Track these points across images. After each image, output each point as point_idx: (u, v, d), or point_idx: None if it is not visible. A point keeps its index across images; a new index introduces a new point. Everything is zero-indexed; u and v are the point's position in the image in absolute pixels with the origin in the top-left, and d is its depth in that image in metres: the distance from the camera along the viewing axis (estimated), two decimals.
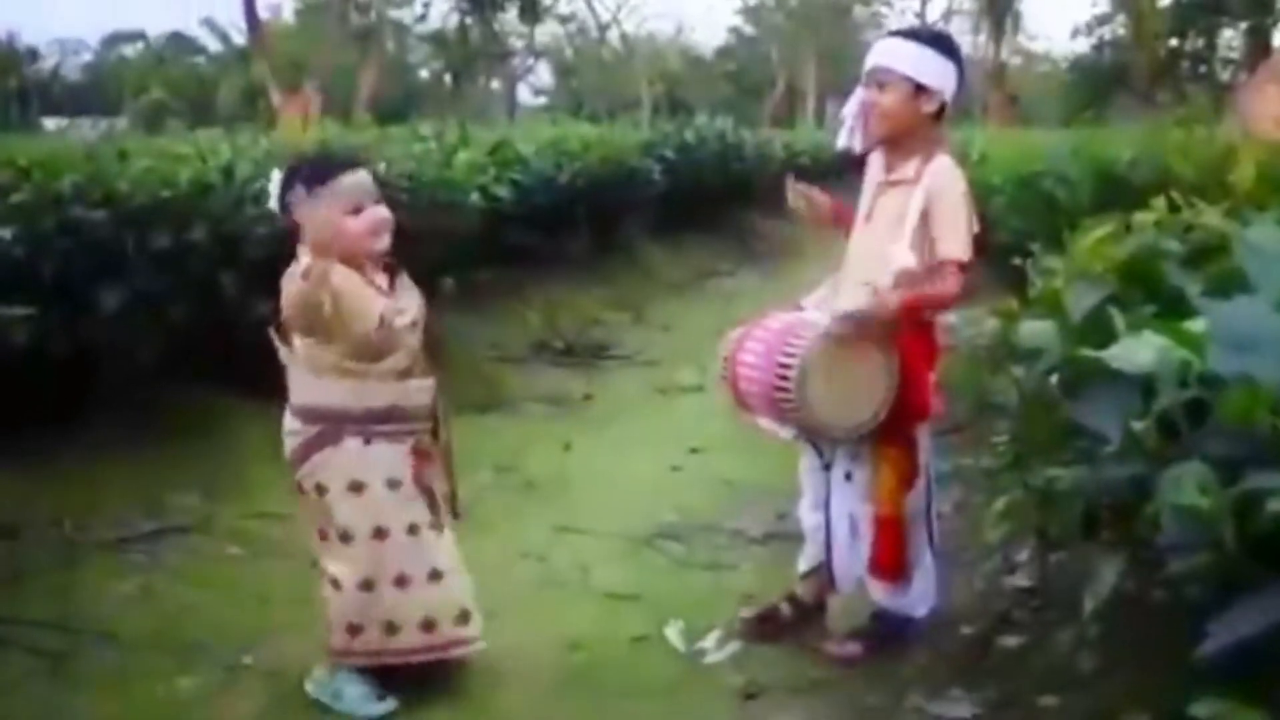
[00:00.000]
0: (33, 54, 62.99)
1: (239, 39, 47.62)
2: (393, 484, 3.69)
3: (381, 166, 7.51)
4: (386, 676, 3.76)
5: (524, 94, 69.99)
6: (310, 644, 3.92)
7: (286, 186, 3.68)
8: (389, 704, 3.73)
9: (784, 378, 3.72)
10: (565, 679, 3.99)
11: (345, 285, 3.56)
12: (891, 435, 3.85)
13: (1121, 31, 49.41)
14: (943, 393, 3.99)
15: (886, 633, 4.05)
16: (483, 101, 57.57)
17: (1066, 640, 3.66)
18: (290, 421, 3.73)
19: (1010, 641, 3.92)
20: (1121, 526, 2.05)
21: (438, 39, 58.77)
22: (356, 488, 3.65)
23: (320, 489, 3.67)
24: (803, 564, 4.22)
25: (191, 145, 7.42)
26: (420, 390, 3.75)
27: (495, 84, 62.35)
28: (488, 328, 9.06)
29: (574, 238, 11.88)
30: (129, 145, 6.82)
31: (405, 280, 3.82)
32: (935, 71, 3.87)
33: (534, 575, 4.89)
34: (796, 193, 4.19)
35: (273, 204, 3.73)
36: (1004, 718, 3.45)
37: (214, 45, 62.95)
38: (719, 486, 6.07)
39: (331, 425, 3.65)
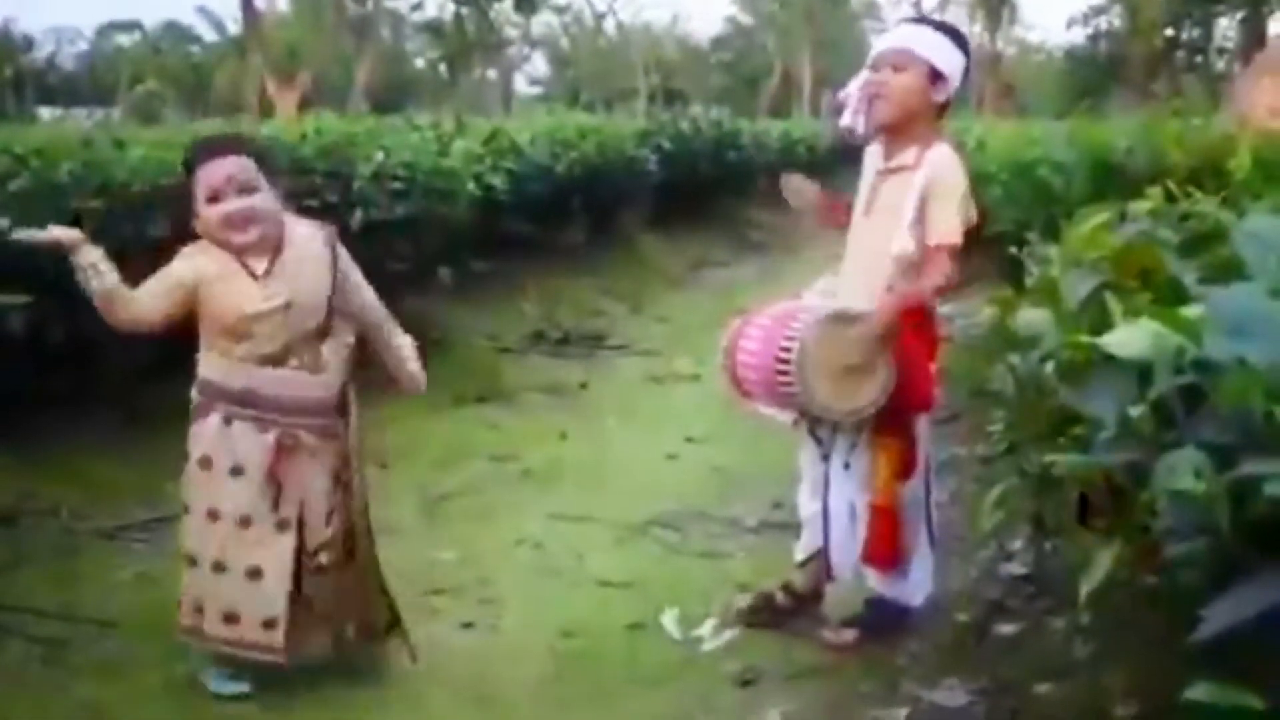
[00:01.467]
0: (28, 42, 62.86)
1: (235, 28, 47.51)
2: (235, 470, 3.64)
3: (379, 156, 7.53)
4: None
5: (520, 84, 70.11)
6: None
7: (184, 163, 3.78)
8: (243, 685, 3.73)
9: (784, 360, 3.73)
10: (561, 666, 4.00)
11: (208, 268, 3.62)
12: (891, 425, 3.86)
13: (1117, 22, 49.40)
14: (940, 383, 4.00)
15: (883, 621, 4.06)
16: (478, 92, 57.46)
17: (1061, 628, 3.68)
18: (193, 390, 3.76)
19: (1005, 629, 3.94)
20: (1117, 513, 2.06)
21: (433, 28, 58.72)
22: (205, 463, 3.66)
23: (187, 459, 3.70)
24: (800, 552, 4.23)
25: (188, 135, 7.41)
26: (282, 381, 3.67)
27: (491, 74, 62.24)
28: (484, 318, 9.07)
29: (570, 228, 11.89)
30: (125, 134, 6.82)
31: (291, 263, 3.70)
32: (951, 60, 3.89)
33: (530, 563, 4.90)
34: (791, 188, 4.21)
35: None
36: (999, 705, 3.46)
37: (210, 35, 62.89)
38: (714, 475, 6.08)
39: (207, 399, 3.69)
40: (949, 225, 3.79)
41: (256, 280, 3.63)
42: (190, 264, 3.66)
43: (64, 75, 65.76)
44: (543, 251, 11.06)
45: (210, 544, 3.66)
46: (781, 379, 3.75)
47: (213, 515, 3.66)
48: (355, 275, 3.87)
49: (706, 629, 4.22)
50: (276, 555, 3.67)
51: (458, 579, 4.64)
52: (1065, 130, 8.25)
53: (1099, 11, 50.66)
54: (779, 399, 3.90)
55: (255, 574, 3.65)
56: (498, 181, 9.44)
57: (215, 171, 3.64)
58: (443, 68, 61.97)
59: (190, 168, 3.71)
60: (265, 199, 3.68)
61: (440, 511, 5.49)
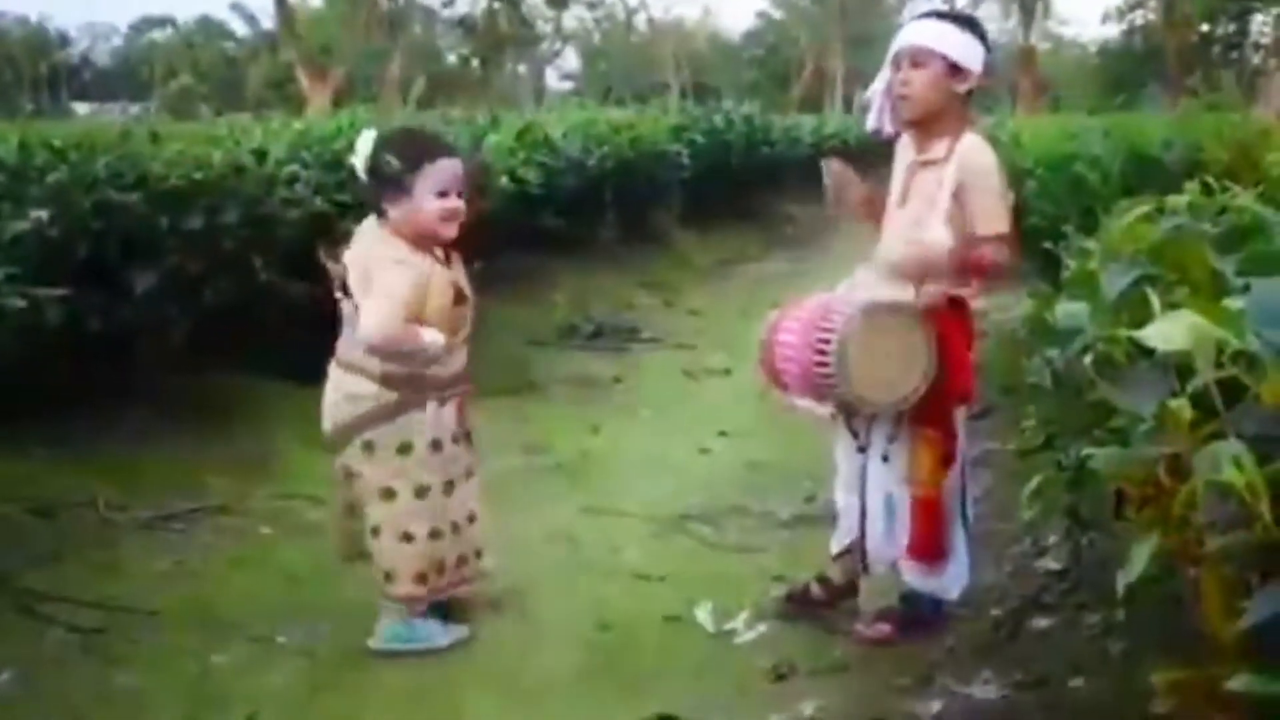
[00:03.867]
0: (63, 39, 63.28)
1: (268, 24, 47.69)
2: (437, 444, 3.96)
3: None
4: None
5: (551, 79, 70.16)
6: (340, 621, 4.02)
7: (381, 154, 3.90)
8: (463, 629, 4.15)
9: (823, 352, 3.73)
10: (595, 659, 4.01)
11: (423, 264, 3.86)
12: (931, 417, 3.86)
13: (1152, 17, 49.12)
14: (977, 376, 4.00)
15: (918, 614, 4.05)
16: (510, 87, 57.56)
17: (1097, 623, 3.68)
18: (365, 385, 3.89)
19: (1040, 624, 3.93)
20: (1155, 507, 2.06)
21: (466, 24, 58.81)
22: (437, 445, 3.96)
23: (405, 447, 3.90)
24: (834, 545, 4.22)
25: (224, 128, 7.47)
26: (461, 357, 4.03)
27: (522, 69, 62.37)
28: (517, 311, 9.08)
29: (603, 222, 11.90)
30: (161, 129, 6.86)
31: (457, 258, 4.04)
32: (968, 51, 3.88)
33: (564, 556, 4.91)
34: (833, 172, 4.20)
35: (358, 166, 3.95)
36: (1033, 700, 3.45)
37: (242, 30, 63.19)
38: (747, 469, 6.08)
39: (415, 390, 3.90)
40: (995, 213, 3.80)
41: (445, 269, 3.93)
42: (415, 266, 3.85)
43: (98, 71, 66.25)
44: (575, 245, 11.07)
45: (449, 512, 4.05)
46: (821, 370, 3.75)
47: (449, 488, 4.03)
48: None
49: (740, 622, 4.22)
50: (473, 497, 4.14)
51: (490, 571, 4.66)
52: (1101, 125, 8.22)
53: (1134, 6, 50.43)
54: (818, 391, 3.89)
55: (472, 519, 4.14)
56: (530, 176, 9.46)
57: (448, 169, 3.90)
58: (475, 63, 62.07)
59: (417, 159, 3.87)
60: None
61: None
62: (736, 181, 15.98)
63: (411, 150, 3.91)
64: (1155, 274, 2.19)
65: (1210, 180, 3.17)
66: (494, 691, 3.78)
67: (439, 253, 3.92)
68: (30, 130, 6.48)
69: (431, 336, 3.80)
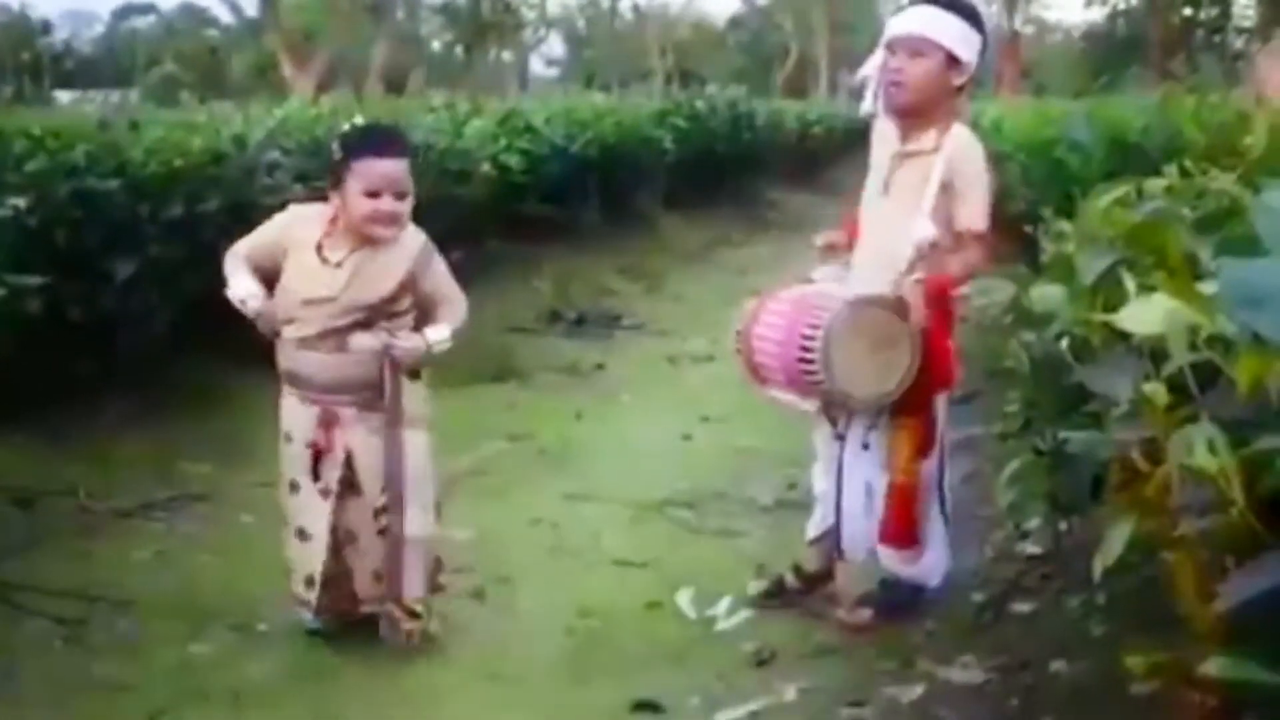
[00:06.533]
0: (45, 27, 62.96)
1: (251, 11, 47.46)
2: (286, 438, 3.93)
3: None
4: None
5: (536, 65, 70.03)
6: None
7: (337, 142, 3.89)
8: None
9: (808, 349, 3.72)
10: (576, 645, 4.01)
11: (297, 236, 3.83)
12: (911, 405, 3.86)
13: (1135, 1, 49.09)
14: (958, 362, 4.00)
15: (897, 600, 4.05)
16: (495, 73, 57.40)
17: (1077, 606, 3.68)
18: None
19: (1021, 607, 3.94)
20: (1131, 491, 2.05)
21: (449, 10, 58.60)
22: (287, 438, 3.93)
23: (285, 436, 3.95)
24: (811, 530, 4.22)
25: (204, 115, 7.44)
26: (321, 364, 3.79)
27: (507, 55, 62.20)
28: (500, 298, 9.07)
29: (586, 207, 11.88)
30: (142, 116, 6.83)
31: (365, 262, 3.78)
32: (968, 44, 3.86)
33: (546, 542, 4.91)
34: (824, 240, 4.25)
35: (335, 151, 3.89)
36: (1015, 683, 3.46)
37: (225, 17, 62.88)
38: (730, 455, 6.09)
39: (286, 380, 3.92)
40: (977, 212, 3.79)
41: (322, 265, 3.78)
42: (298, 229, 3.87)
43: (81, 59, 65.90)
44: (558, 231, 11.06)
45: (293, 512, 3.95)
46: (805, 367, 3.74)
47: (293, 487, 3.94)
48: (438, 267, 3.95)
49: (722, 608, 4.22)
50: (319, 518, 3.89)
51: (473, 558, 4.65)
52: (1082, 110, 8.21)
53: None
54: (802, 387, 3.88)
55: (302, 535, 3.93)
56: (513, 162, 9.45)
57: (380, 169, 3.76)
58: (459, 50, 61.89)
59: (350, 151, 3.79)
60: (409, 205, 3.83)
61: (455, 490, 5.47)
62: (720, 167, 15.98)
63: (352, 144, 3.82)
64: (1131, 258, 2.18)
65: (1189, 164, 3.17)
66: (476, 678, 3.78)
67: (334, 252, 3.77)
68: (8, 118, 6.43)
69: (243, 287, 3.78)
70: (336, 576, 3.92)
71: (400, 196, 3.78)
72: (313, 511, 3.89)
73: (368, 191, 3.72)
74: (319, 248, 3.78)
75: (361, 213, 3.73)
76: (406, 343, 3.78)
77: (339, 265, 3.76)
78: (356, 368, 3.78)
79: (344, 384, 3.79)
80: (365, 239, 3.76)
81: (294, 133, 7.41)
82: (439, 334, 3.86)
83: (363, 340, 3.76)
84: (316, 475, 3.86)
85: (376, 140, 3.90)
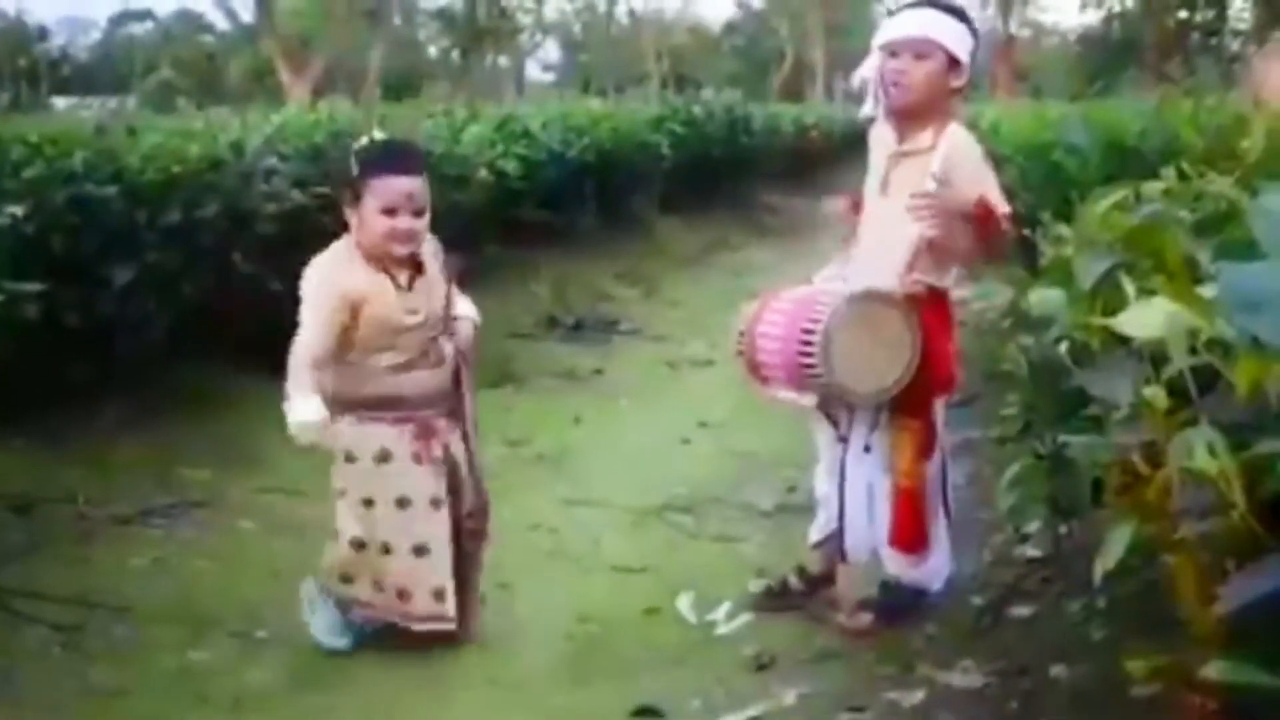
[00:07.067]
0: (42, 33, 62.91)
1: (247, 16, 47.41)
2: (382, 458, 3.84)
3: None
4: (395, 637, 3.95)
5: (532, 70, 70.07)
6: None
7: (351, 160, 3.87)
8: (345, 642, 3.96)
9: (808, 343, 3.73)
10: (575, 650, 4.01)
11: (362, 283, 3.78)
12: (912, 407, 3.87)
13: (1131, 3, 49.12)
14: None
15: (898, 604, 4.05)
16: (491, 78, 57.42)
17: (1077, 610, 3.68)
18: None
19: (1021, 611, 3.94)
20: (1131, 494, 2.06)
21: (446, 16, 58.62)
22: (350, 458, 3.85)
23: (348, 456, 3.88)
24: (814, 533, 4.22)
25: (202, 122, 7.44)
26: (415, 382, 3.87)
27: (503, 61, 62.23)
28: (498, 303, 9.04)
29: (583, 212, 11.87)
30: (140, 123, 6.83)
31: (429, 280, 3.91)
32: (967, 46, 3.89)
33: (545, 547, 4.91)
34: (828, 210, 4.27)
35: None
36: (1015, 687, 3.45)
37: (222, 23, 62.83)
38: (728, 459, 6.09)
39: (334, 406, 3.78)
40: (995, 195, 3.81)
41: (400, 293, 3.81)
42: (348, 280, 3.78)
43: (78, 65, 65.81)
44: (556, 237, 11.05)
45: (376, 528, 3.86)
46: (805, 361, 3.75)
47: (368, 503, 3.84)
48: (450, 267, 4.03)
49: (721, 613, 4.22)
50: (436, 531, 3.89)
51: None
52: (1079, 113, 8.21)
53: None
54: (802, 383, 3.88)
55: (421, 551, 3.86)
56: (510, 167, 9.44)
57: (398, 186, 3.77)
58: (455, 55, 61.90)
59: (367, 168, 3.79)
60: (427, 222, 3.83)
61: None
62: (717, 172, 15.97)
63: (369, 161, 3.81)
64: (1130, 261, 2.18)
65: (1187, 166, 3.17)
66: (475, 683, 3.78)
67: (401, 276, 3.83)
68: (5, 125, 6.43)
69: (303, 410, 3.65)
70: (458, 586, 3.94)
71: (418, 213, 3.79)
72: (429, 524, 3.88)
73: (385, 209, 3.73)
74: (392, 276, 3.81)
75: (379, 231, 3.75)
76: (467, 326, 4.00)
77: (411, 289, 3.83)
78: (444, 378, 3.92)
79: (438, 396, 3.92)
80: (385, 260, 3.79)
81: (291, 139, 7.40)
82: (469, 307, 4.05)
83: (447, 345, 3.93)
84: (427, 489, 3.88)
85: (393, 157, 3.89)
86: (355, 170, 3.81)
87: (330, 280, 3.78)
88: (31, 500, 4.90)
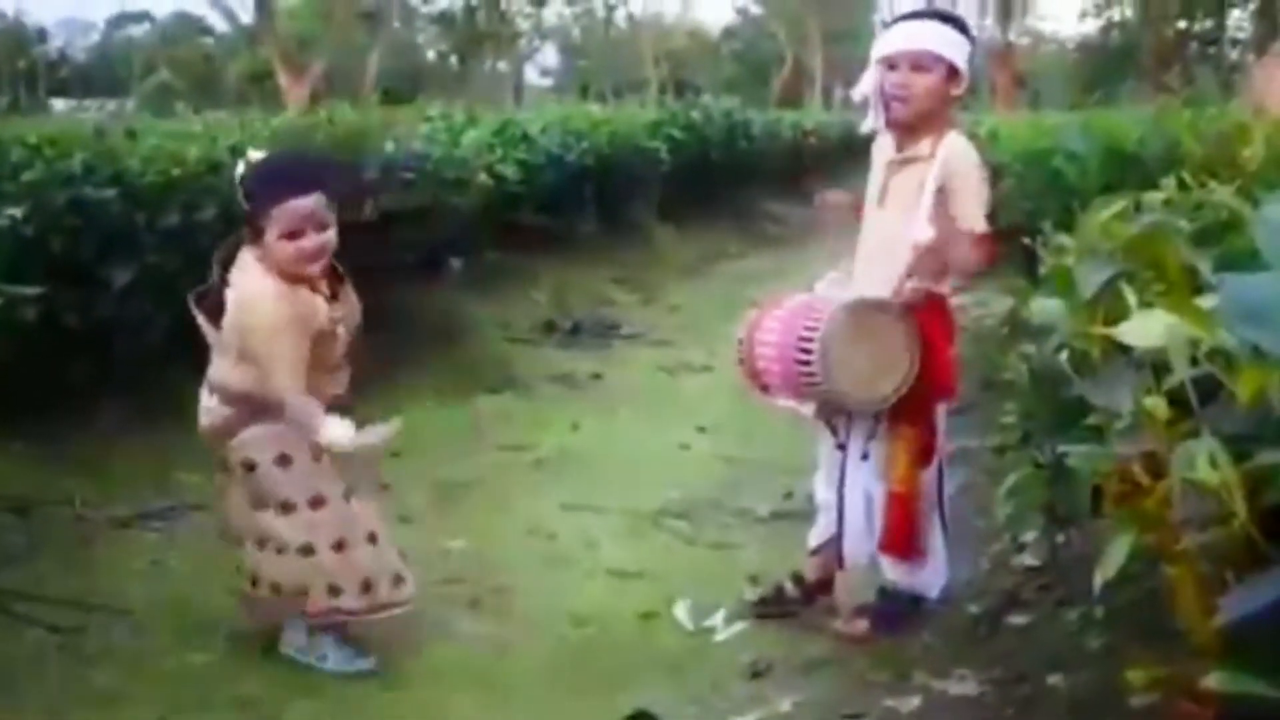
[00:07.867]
0: (40, 35, 62.96)
1: (246, 19, 47.44)
2: (281, 460, 3.74)
3: (389, 146, 7.54)
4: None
5: (531, 75, 70.10)
6: None
7: (243, 185, 3.74)
8: (368, 662, 3.88)
9: (806, 350, 3.74)
10: (572, 655, 4.01)
11: (309, 304, 3.68)
12: (911, 414, 3.87)
13: (1130, 13, 49.23)
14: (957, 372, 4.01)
15: (895, 611, 4.05)
16: (489, 83, 57.45)
17: (1074, 619, 3.68)
18: (208, 398, 3.82)
19: (1018, 620, 3.94)
20: (1131, 504, 2.06)
21: (445, 20, 58.67)
22: (284, 461, 3.73)
23: (248, 464, 3.75)
24: (813, 539, 4.23)
25: (200, 124, 7.44)
26: (339, 381, 3.88)
27: (502, 65, 62.26)
28: (496, 308, 9.07)
29: (582, 217, 11.86)
30: (139, 125, 6.83)
31: (348, 288, 3.88)
32: (965, 55, 3.89)
33: (542, 552, 4.91)
34: (828, 205, 4.28)
35: (238, 191, 3.76)
36: (1011, 695, 3.46)
37: (220, 25, 62.87)
38: (726, 465, 6.09)
39: (253, 407, 3.71)
40: (974, 213, 3.80)
41: (330, 304, 3.75)
42: (302, 308, 3.65)
43: (76, 67, 65.91)
44: (554, 242, 11.04)
45: (325, 527, 3.75)
46: (803, 369, 3.76)
47: (316, 502, 3.75)
48: None
49: (718, 619, 4.22)
50: (375, 518, 3.87)
51: (469, 567, 4.65)
52: (1078, 122, 8.22)
53: (1112, 2, 50.49)
54: (800, 390, 3.89)
55: (372, 539, 3.81)
56: (509, 172, 9.45)
57: (297, 209, 3.61)
58: (453, 59, 61.95)
59: (265, 200, 3.63)
60: (334, 232, 3.71)
61: (452, 501, 5.49)
62: (716, 177, 15.96)
63: (262, 189, 3.66)
64: (1131, 270, 2.18)
65: (1187, 176, 3.17)
66: (471, 687, 3.78)
67: (325, 288, 3.75)
68: (4, 126, 6.43)
69: (339, 427, 3.60)
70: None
71: (322, 228, 3.66)
72: (368, 514, 3.86)
73: (288, 234, 3.60)
74: (319, 290, 3.74)
75: (286, 256, 3.61)
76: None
77: (336, 298, 3.80)
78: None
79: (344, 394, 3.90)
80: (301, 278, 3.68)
81: (290, 142, 7.40)
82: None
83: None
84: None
85: (287, 179, 3.73)
86: (247, 203, 3.68)
87: (289, 315, 3.62)
88: (30, 502, 4.90)
